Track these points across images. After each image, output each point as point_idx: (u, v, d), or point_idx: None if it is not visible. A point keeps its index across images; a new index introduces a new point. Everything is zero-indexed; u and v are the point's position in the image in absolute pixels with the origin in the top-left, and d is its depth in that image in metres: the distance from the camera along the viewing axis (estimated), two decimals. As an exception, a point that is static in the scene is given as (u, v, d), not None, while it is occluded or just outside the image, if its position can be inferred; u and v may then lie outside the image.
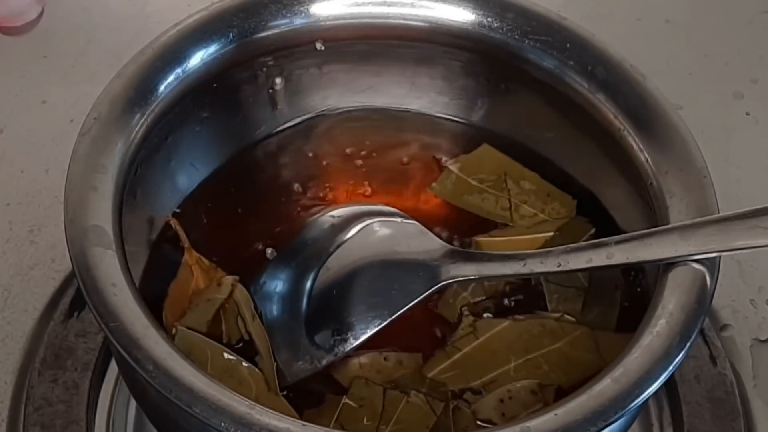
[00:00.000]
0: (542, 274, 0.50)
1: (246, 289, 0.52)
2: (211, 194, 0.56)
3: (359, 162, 0.58)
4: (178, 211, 0.55)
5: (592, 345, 0.51)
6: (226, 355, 0.49)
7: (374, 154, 0.58)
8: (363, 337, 0.50)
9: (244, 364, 0.49)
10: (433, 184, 0.57)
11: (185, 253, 0.52)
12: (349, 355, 0.51)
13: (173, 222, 0.52)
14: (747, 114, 0.73)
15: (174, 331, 0.50)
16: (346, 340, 0.50)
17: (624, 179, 0.53)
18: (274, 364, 0.50)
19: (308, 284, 0.51)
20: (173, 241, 0.53)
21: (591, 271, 0.51)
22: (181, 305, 0.51)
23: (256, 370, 0.49)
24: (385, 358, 0.51)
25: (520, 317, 0.52)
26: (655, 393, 0.44)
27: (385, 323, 0.51)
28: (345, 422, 0.49)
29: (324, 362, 0.50)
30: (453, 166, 0.57)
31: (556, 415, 0.42)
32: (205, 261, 0.52)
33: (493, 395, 0.50)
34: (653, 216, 0.50)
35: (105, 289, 0.44)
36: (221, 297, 0.51)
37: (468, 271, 0.51)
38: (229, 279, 0.51)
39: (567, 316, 0.52)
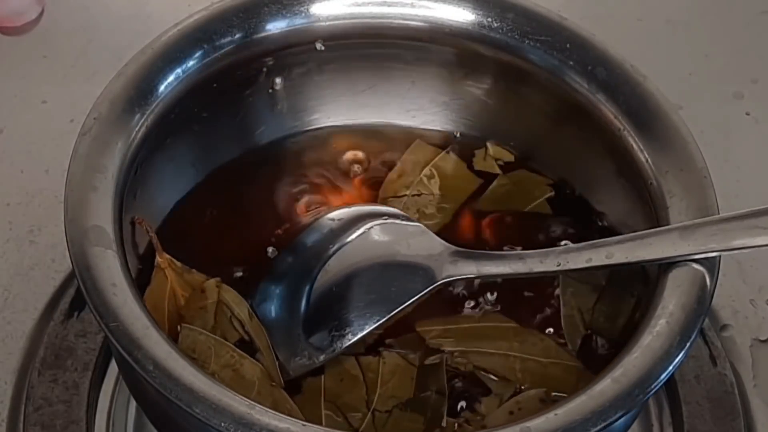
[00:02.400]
0: (542, 273, 0.50)
1: (247, 287, 0.52)
2: (211, 194, 0.56)
3: (360, 165, 0.58)
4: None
5: (572, 380, 0.51)
6: (230, 351, 0.49)
7: (375, 158, 0.59)
8: (361, 333, 0.50)
9: (248, 359, 0.49)
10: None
11: (157, 256, 0.51)
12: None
13: (144, 224, 0.52)
14: (747, 114, 0.73)
15: (179, 329, 0.50)
16: (344, 336, 0.50)
17: (624, 179, 0.53)
18: (275, 360, 0.50)
19: (309, 284, 0.52)
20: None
21: (592, 271, 0.51)
22: (159, 309, 0.50)
23: (259, 365, 0.49)
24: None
25: (530, 328, 0.52)
26: (655, 393, 0.44)
27: (384, 320, 0.51)
28: (335, 399, 0.50)
29: (322, 358, 0.50)
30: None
31: (556, 415, 0.42)
32: (178, 264, 0.52)
33: (503, 408, 0.50)
34: (653, 216, 0.50)
35: (105, 289, 0.44)
36: (212, 301, 0.51)
37: (468, 269, 0.51)
38: (212, 282, 0.51)
39: (570, 347, 0.52)
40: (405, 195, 0.57)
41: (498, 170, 0.58)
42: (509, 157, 0.58)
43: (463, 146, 0.59)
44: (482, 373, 0.51)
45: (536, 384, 0.51)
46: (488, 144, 0.58)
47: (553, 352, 0.52)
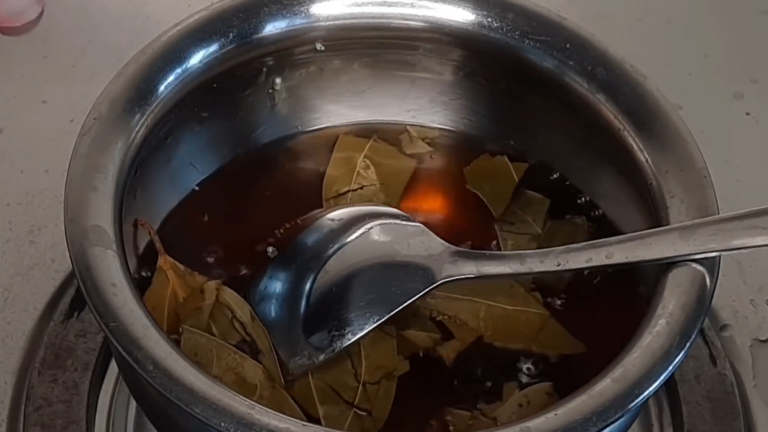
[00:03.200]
0: (542, 273, 0.50)
1: (247, 287, 0.52)
2: (211, 194, 0.56)
3: (360, 165, 0.58)
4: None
5: (535, 329, 0.52)
6: (231, 353, 0.49)
7: (374, 158, 0.59)
8: (361, 333, 0.50)
9: (250, 361, 0.49)
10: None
11: (159, 258, 0.51)
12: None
13: (146, 226, 0.52)
14: (747, 114, 0.73)
15: (180, 330, 0.50)
16: (344, 336, 0.50)
17: (624, 179, 0.53)
18: (277, 361, 0.50)
19: (308, 283, 0.51)
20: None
21: (591, 270, 0.51)
22: (159, 311, 0.50)
23: (261, 366, 0.49)
24: None
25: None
26: (655, 393, 0.44)
27: (383, 320, 0.51)
28: (322, 375, 0.50)
29: (322, 357, 0.50)
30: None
31: (556, 415, 0.42)
32: (180, 266, 0.52)
33: (512, 401, 0.50)
34: (653, 216, 0.50)
35: (105, 289, 0.44)
36: (209, 303, 0.51)
37: (467, 269, 0.51)
38: (212, 284, 0.51)
39: (538, 294, 0.53)
40: (348, 191, 0.57)
41: (428, 148, 0.58)
42: (432, 134, 0.58)
43: (463, 145, 0.59)
44: (445, 318, 0.52)
45: (498, 332, 0.52)
46: (408, 128, 0.59)
47: (520, 299, 0.53)
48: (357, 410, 0.50)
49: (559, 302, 0.53)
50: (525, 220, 0.56)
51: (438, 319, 0.52)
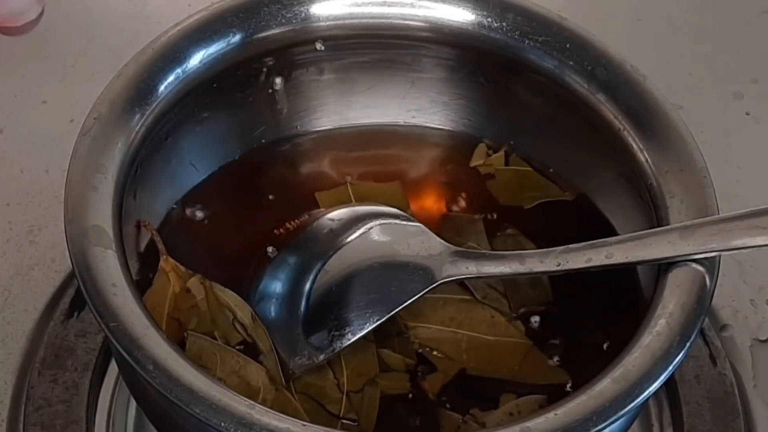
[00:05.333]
0: (541, 273, 0.50)
1: (246, 287, 0.52)
2: (211, 194, 0.56)
3: (359, 165, 0.58)
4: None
5: (518, 358, 0.52)
6: (235, 356, 0.49)
7: (374, 158, 0.59)
8: (360, 333, 0.51)
9: (253, 364, 0.50)
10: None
11: (161, 260, 0.51)
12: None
13: (149, 227, 0.52)
14: (747, 114, 0.73)
15: (185, 335, 0.50)
16: (343, 336, 0.50)
17: (624, 179, 0.53)
18: (278, 362, 0.50)
19: (308, 283, 0.52)
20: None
21: (590, 270, 0.51)
22: (159, 311, 0.50)
23: (264, 368, 0.49)
24: None
25: (485, 301, 0.53)
26: (655, 393, 0.44)
27: (383, 320, 0.51)
28: (306, 390, 0.50)
29: (322, 357, 0.50)
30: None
31: (556, 415, 0.42)
32: (182, 268, 0.52)
33: (503, 409, 0.50)
34: (653, 216, 0.50)
35: (105, 289, 0.44)
36: (202, 298, 0.51)
37: (467, 269, 0.51)
38: (195, 280, 0.51)
39: (519, 323, 0.53)
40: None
41: (497, 167, 0.58)
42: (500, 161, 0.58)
43: (463, 145, 0.59)
44: (427, 350, 0.52)
45: (482, 362, 0.52)
46: (485, 142, 0.58)
47: (502, 329, 0.52)
48: (344, 422, 0.50)
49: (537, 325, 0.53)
50: (471, 246, 0.55)
51: (420, 352, 0.52)
